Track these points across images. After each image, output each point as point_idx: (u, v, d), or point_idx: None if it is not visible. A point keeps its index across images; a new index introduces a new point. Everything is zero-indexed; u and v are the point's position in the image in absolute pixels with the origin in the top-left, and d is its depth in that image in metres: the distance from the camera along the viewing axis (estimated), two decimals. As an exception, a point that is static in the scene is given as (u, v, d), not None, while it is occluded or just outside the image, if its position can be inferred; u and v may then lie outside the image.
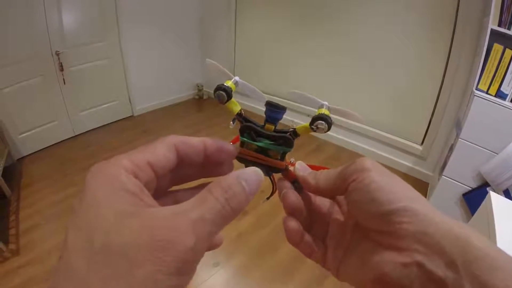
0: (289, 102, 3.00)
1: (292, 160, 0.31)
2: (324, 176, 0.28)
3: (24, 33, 2.58)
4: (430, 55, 2.42)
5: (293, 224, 0.29)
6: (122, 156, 0.23)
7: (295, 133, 0.28)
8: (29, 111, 2.82)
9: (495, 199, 1.23)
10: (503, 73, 1.76)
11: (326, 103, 0.28)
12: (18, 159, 2.83)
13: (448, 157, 2.15)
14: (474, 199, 2.00)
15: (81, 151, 3.06)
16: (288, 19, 3.22)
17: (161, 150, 0.25)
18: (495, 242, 1.03)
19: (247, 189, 0.22)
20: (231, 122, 0.30)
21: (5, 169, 2.42)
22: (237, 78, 0.32)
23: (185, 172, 0.29)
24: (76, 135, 3.31)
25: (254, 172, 0.24)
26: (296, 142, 0.30)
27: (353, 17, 2.75)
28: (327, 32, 2.96)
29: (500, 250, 0.20)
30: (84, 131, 3.39)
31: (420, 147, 2.71)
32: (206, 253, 0.21)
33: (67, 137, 3.23)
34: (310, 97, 0.28)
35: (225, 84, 0.30)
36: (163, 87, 4.07)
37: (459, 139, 1.96)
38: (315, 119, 0.26)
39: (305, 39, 3.16)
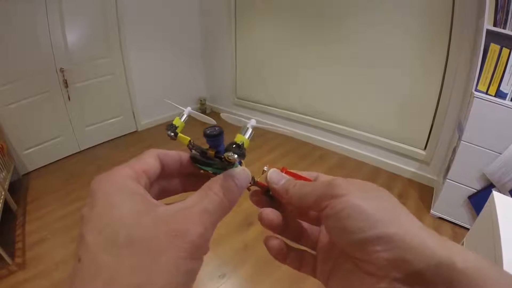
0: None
1: (266, 168, 0.31)
2: (297, 194, 0.28)
3: (28, 51, 2.65)
4: (428, 60, 2.42)
5: (275, 243, 0.30)
6: (122, 166, 0.26)
7: (227, 160, 0.28)
8: (34, 127, 2.87)
9: (499, 199, 1.22)
10: (501, 73, 1.75)
11: (252, 122, 0.28)
12: (24, 174, 2.87)
13: (451, 160, 2.14)
14: (479, 201, 1.97)
15: (86, 166, 3.09)
16: (288, 28, 3.26)
17: (150, 160, 0.28)
18: (499, 243, 1.02)
19: (238, 185, 0.26)
20: (190, 152, 0.33)
21: (11, 184, 2.45)
22: (189, 108, 0.37)
23: (171, 186, 0.32)
24: (81, 150, 3.35)
25: (243, 171, 0.28)
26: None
27: (352, 25, 2.77)
28: (327, 41, 2.99)
29: (489, 266, 0.19)
30: (90, 146, 3.43)
31: (423, 152, 2.70)
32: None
33: (72, 152, 3.28)
34: (237, 118, 0.29)
35: (172, 122, 0.35)
36: (166, 103, 4.09)
37: (462, 142, 1.95)
38: (226, 149, 0.26)
39: (305, 48, 3.18)
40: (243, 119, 0.28)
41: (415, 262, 0.20)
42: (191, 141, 0.34)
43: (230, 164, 0.28)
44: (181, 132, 0.35)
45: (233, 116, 0.29)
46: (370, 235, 0.21)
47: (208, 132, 0.29)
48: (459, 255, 0.19)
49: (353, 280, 0.24)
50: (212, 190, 0.25)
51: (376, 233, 0.21)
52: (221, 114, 0.30)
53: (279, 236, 0.31)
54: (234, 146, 0.26)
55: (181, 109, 0.36)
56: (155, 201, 0.24)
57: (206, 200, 0.24)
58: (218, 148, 0.30)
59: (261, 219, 0.30)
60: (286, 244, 0.31)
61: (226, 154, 0.26)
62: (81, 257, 0.21)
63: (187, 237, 0.21)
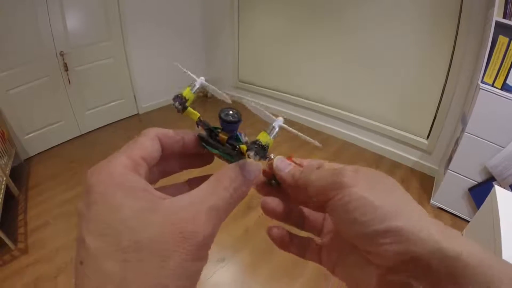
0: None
1: (272, 155, 0.29)
2: (304, 181, 0.26)
3: (28, 35, 2.61)
4: (435, 49, 2.39)
5: (277, 232, 0.30)
6: (119, 155, 0.24)
7: (241, 152, 0.27)
8: (35, 112, 2.86)
9: (500, 193, 1.23)
10: (509, 65, 1.73)
11: (279, 121, 0.26)
12: (25, 159, 2.87)
13: (453, 151, 2.13)
14: (480, 193, 1.98)
15: (87, 150, 3.09)
16: (291, 17, 3.21)
17: (148, 143, 0.26)
18: (499, 236, 1.03)
19: (250, 180, 0.25)
20: (196, 128, 0.30)
21: (13, 169, 2.46)
22: (202, 79, 0.31)
23: (169, 166, 0.30)
24: (82, 134, 3.34)
25: (256, 165, 0.26)
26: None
27: (356, 14, 2.73)
28: (331, 30, 2.94)
29: (494, 259, 0.19)
30: (91, 130, 3.42)
31: (425, 141, 2.69)
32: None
33: (73, 136, 3.27)
34: (266, 113, 0.26)
35: (182, 93, 0.30)
36: (167, 85, 4.07)
37: (465, 133, 1.95)
38: (249, 148, 0.24)
39: (308, 37, 3.14)
40: (272, 116, 0.26)
41: (422, 255, 0.20)
42: (201, 118, 0.30)
43: (242, 155, 0.27)
44: (190, 107, 0.30)
45: (263, 110, 0.26)
46: (378, 228, 0.21)
47: (223, 115, 0.27)
48: (464, 247, 0.20)
49: (359, 272, 0.24)
50: (222, 184, 0.23)
51: (384, 226, 0.21)
52: (248, 103, 0.27)
53: (282, 224, 0.31)
54: (258, 146, 0.24)
55: (193, 77, 0.31)
56: (158, 193, 0.22)
57: (215, 196, 0.22)
58: (231, 134, 0.28)
59: (263, 208, 0.30)
60: (289, 232, 0.31)
61: (246, 152, 0.25)
62: (83, 260, 0.19)
63: (195, 239, 0.20)
